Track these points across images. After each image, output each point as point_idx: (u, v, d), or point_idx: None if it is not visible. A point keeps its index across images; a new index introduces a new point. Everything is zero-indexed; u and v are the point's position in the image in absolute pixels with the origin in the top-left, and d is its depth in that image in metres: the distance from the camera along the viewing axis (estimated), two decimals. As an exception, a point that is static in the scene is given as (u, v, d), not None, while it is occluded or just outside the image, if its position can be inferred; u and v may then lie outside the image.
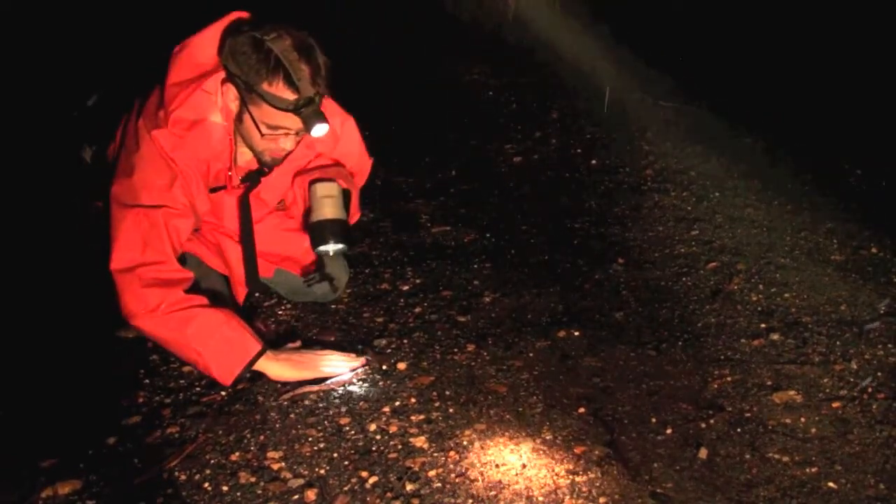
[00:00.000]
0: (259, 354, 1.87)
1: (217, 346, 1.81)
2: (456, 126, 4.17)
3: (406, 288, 2.50)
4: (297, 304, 2.37)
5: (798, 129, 3.97)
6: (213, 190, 1.94)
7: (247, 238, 2.05)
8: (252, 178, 1.98)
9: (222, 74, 1.75)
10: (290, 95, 1.67)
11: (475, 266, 2.66)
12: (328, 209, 1.96)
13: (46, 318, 2.21)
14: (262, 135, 1.75)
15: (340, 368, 1.99)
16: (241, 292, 2.15)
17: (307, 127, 1.73)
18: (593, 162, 3.68)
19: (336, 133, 2.06)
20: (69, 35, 4.27)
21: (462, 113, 4.37)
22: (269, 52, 1.64)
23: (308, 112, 1.69)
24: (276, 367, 1.92)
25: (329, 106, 1.98)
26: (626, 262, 2.69)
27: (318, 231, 1.97)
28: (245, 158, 1.94)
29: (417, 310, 2.37)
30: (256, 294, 2.37)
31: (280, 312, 2.33)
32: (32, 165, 2.91)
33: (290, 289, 2.32)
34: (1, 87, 3.58)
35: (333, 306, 2.37)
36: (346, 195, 2.05)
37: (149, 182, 1.77)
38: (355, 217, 2.20)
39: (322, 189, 1.96)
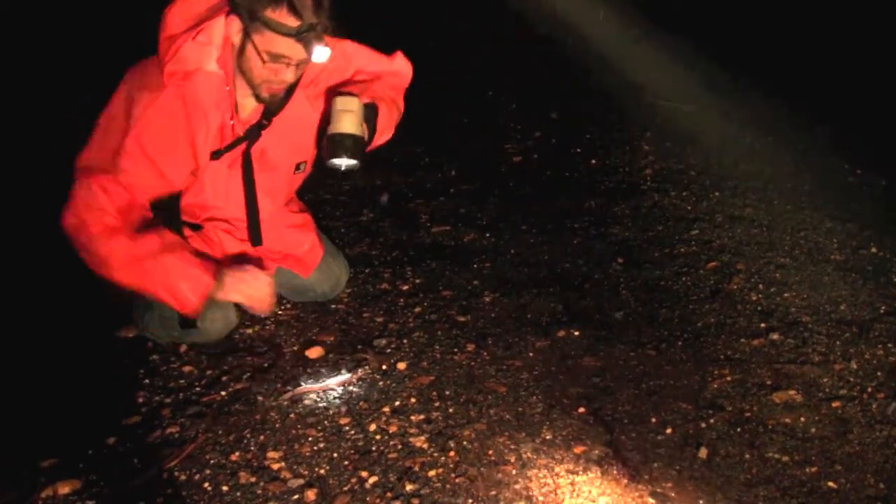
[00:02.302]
0: (211, 289, 1.85)
1: (181, 286, 1.81)
2: (456, 126, 4.17)
3: (406, 288, 2.50)
4: (297, 303, 2.37)
5: (798, 128, 3.98)
6: (217, 154, 1.93)
7: (250, 197, 2.05)
8: (252, 133, 1.97)
9: (221, 18, 1.77)
10: (292, 22, 1.71)
11: (475, 266, 2.66)
12: (344, 123, 1.87)
13: (46, 318, 2.21)
14: (264, 62, 1.77)
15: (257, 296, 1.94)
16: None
17: (308, 50, 1.74)
18: (593, 162, 3.68)
19: (343, 52, 2.03)
20: (69, 35, 4.27)
21: (462, 113, 4.36)
22: None
23: (309, 37, 1.73)
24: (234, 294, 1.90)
25: (318, 66, 1.96)
26: (626, 262, 2.69)
27: (330, 144, 1.88)
28: (246, 111, 1.94)
29: (417, 310, 2.37)
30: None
31: (280, 312, 2.33)
32: (32, 166, 2.91)
33: (291, 288, 2.32)
34: (1, 87, 3.57)
35: (333, 306, 2.37)
36: (371, 111, 1.96)
37: (101, 145, 1.79)
38: (386, 134, 2.09)
39: (341, 102, 1.88)
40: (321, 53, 1.75)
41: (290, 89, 1.97)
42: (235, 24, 1.76)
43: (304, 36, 1.72)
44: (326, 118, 1.93)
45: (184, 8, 1.80)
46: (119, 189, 1.77)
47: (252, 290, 1.90)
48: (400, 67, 2.14)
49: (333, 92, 1.97)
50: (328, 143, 1.88)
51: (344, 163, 1.89)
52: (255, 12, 1.71)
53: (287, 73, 1.82)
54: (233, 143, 1.95)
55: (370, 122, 1.94)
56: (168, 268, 1.78)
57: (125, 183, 1.77)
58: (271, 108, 1.95)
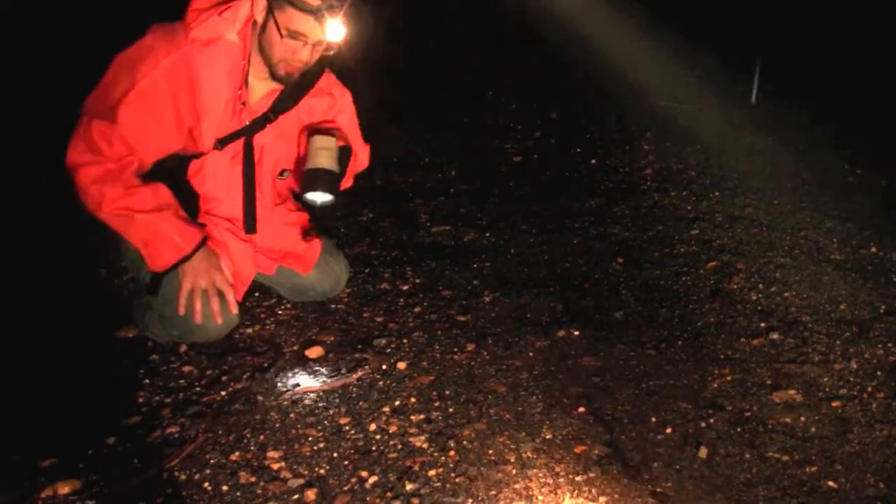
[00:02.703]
0: (183, 259, 1.92)
1: (154, 245, 1.91)
2: (456, 126, 4.17)
3: (406, 288, 2.50)
4: (297, 303, 2.37)
5: (798, 128, 3.98)
6: (222, 143, 1.97)
7: (248, 183, 2.09)
8: (257, 125, 2.04)
9: (245, 2, 1.87)
10: (314, 1, 1.80)
11: (475, 266, 2.66)
12: (322, 159, 1.98)
13: (46, 318, 2.21)
14: (282, 37, 1.85)
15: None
16: (240, 290, 2.15)
17: (325, 30, 1.83)
18: (593, 162, 3.68)
19: (335, 98, 2.15)
20: (69, 35, 4.27)
21: (462, 113, 4.37)
22: None
23: (328, 15, 1.82)
24: (189, 279, 1.95)
25: (328, 78, 2.12)
26: (626, 262, 2.69)
27: (308, 178, 1.99)
28: (256, 95, 2.00)
29: (417, 309, 2.37)
30: (256, 293, 2.38)
31: (280, 312, 2.33)
32: (32, 166, 2.91)
33: (291, 287, 2.32)
34: (1, 87, 3.57)
35: (333, 306, 2.37)
36: (345, 153, 2.07)
37: (108, 92, 1.85)
38: (349, 181, 2.23)
39: (320, 140, 2.00)
40: (337, 32, 1.85)
41: (299, 94, 2.05)
42: (261, 3, 1.86)
43: (322, 15, 1.81)
44: (303, 157, 2.04)
45: None
46: (116, 138, 1.84)
47: (205, 286, 1.94)
48: (363, 157, 2.26)
49: (312, 129, 2.08)
50: (306, 177, 1.98)
51: (320, 197, 2.00)
52: None
53: (304, 52, 1.89)
54: (238, 131, 1.99)
55: (343, 164, 2.05)
56: (152, 225, 1.88)
57: (121, 134, 1.84)
58: (286, 91, 2.02)
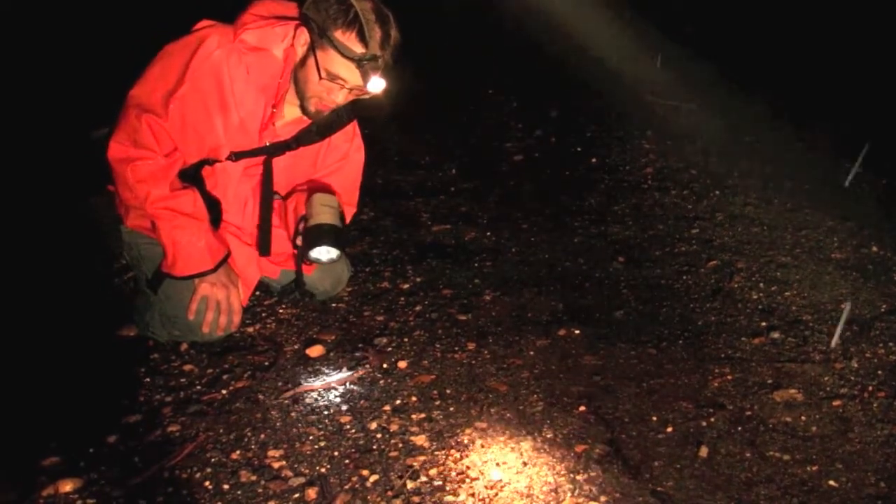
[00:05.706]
0: (203, 273, 1.95)
1: (184, 251, 1.93)
2: (456, 125, 4.17)
3: (406, 286, 2.50)
4: (298, 302, 2.36)
5: (798, 127, 3.98)
6: (238, 156, 1.96)
7: (265, 210, 2.09)
8: (277, 149, 2.02)
9: (292, 26, 1.85)
10: (358, 48, 1.78)
11: (475, 265, 2.66)
12: (326, 216, 1.97)
13: (47, 317, 2.21)
14: (320, 78, 1.83)
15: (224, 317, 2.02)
16: (245, 294, 2.15)
17: (365, 79, 1.81)
18: (593, 160, 3.68)
19: (353, 146, 2.16)
20: (69, 35, 4.27)
21: (462, 112, 4.36)
22: (350, 6, 1.77)
23: (369, 66, 1.80)
24: (207, 286, 1.98)
25: (352, 128, 2.13)
26: (627, 261, 2.69)
27: (313, 234, 1.96)
28: (283, 120, 1.99)
29: (418, 308, 2.37)
30: (257, 292, 2.37)
31: (281, 311, 2.33)
32: (32, 166, 2.91)
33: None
34: (1, 87, 3.57)
35: (334, 305, 2.37)
36: (342, 220, 2.06)
37: (156, 85, 1.84)
38: None
39: (323, 198, 2.00)
40: (376, 85, 1.83)
41: (326, 132, 2.06)
42: (304, 37, 1.84)
43: (364, 64, 1.79)
44: (298, 215, 2.03)
45: (268, 6, 1.89)
46: (166, 134, 1.84)
47: (220, 299, 1.98)
48: (349, 215, 2.24)
49: (312, 189, 2.08)
50: (311, 232, 1.95)
51: (325, 254, 1.98)
52: (326, 30, 1.79)
53: (338, 95, 1.88)
54: (257, 150, 1.98)
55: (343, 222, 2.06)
56: (188, 231, 1.89)
57: (170, 130, 1.84)
58: (313, 125, 2.02)
